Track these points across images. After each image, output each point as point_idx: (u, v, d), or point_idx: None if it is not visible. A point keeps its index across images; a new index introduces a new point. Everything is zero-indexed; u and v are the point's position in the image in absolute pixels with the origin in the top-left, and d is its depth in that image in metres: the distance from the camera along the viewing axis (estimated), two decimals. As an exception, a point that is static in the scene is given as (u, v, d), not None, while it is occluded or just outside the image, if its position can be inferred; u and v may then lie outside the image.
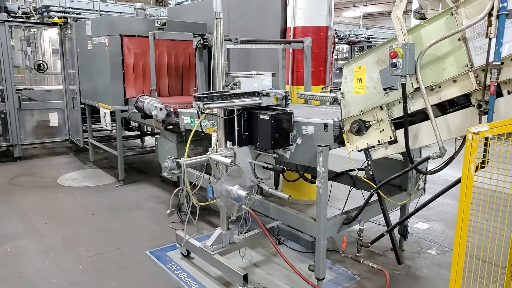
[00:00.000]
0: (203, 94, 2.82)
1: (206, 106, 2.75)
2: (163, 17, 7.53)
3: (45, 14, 6.88)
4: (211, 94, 2.84)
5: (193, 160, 3.13)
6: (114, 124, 6.03)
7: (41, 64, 7.36)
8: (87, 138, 6.99)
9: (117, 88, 5.58)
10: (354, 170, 3.97)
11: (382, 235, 2.95)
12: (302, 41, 4.44)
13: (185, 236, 3.49)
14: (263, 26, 5.35)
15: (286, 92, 3.11)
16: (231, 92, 2.97)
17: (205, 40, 3.83)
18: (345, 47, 13.65)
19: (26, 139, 7.22)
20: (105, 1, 7.48)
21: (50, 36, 8.59)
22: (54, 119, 7.37)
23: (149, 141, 8.80)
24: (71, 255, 3.76)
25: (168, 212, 3.22)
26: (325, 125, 2.88)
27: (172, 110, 4.69)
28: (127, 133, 7.87)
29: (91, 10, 7.16)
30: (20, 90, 7.00)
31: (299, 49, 4.75)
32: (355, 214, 2.98)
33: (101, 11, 7.22)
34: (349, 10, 25.04)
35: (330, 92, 4.36)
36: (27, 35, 8.12)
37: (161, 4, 23.56)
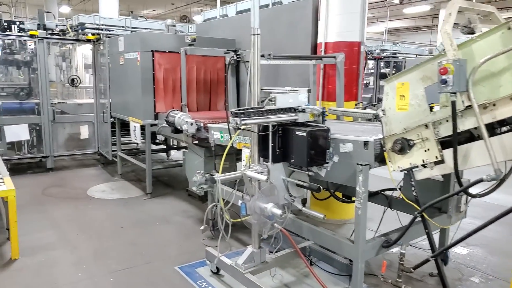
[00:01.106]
0: (240, 110, 2.79)
1: (243, 122, 2.72)
2: (192, 33, 7.65)
3: (80, 31, 7.10)
4: (247, 110, 2.81)
5: (228, 176, 3.08)
6: (142, 138, 6.10)
7: (75, 79, 7.58)
8: (115, 151, 7.10)
9: (148, 102, 5.65)
10: (389, 189, 3.88)
11: (427, 261, 2.80)
12: (334, 57, 4.39)
13: (218, 254, 3.42)
14: (293, 42, 5.33)
15: (323, 108, 3.05)
16: (267, 108, 2.93)
17: (238, 56, 3.83)
18: (371, 63, 13.53)
19: (58, 151, 7.39)
20: (136, 18, 7.66)
21: (82, 52, 8.85)
22: (84, 132, 7.53)
23: (175, 154, 8.87)
24: (103, 268, 3.75)
25: (202, 228, 3.19)
26: (365, 143, 2.79)
27: (202, 125, 4.70)
28: (154, 147, 7.96)
29: (122, 26, 7.35)
30: (55, 103, 7.20)
31: (331, 65, 4.70)
32: (397, 237, 2.86)
33: (132, 27, 7.39)
34: (372, 25, 24.93)
35: (365, 108, 4.28)
36: (62, 51, 8.40)
37: (185, 21, 24.12)
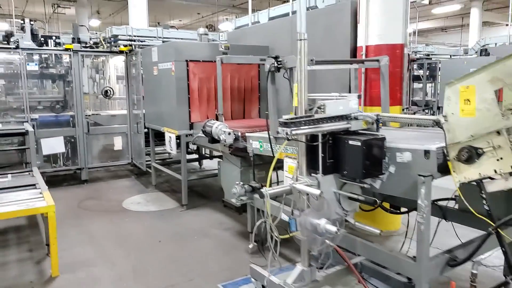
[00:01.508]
0: (289, 119, 2.63)
1: (294, 132, 2.55)
2: (225, 42, 7.59)
3: (113, 43, 7.16)
4: (297, 119, 2.64)
5: (276, 190, 2.91)
6: (177, 148, 6.03)
7: (108, 90, 7.64)
8: (149, 161, 7.08)
9: (183, 112, 5.58)
10: (442, 199, 3.60)
11: (506, 283, 2.53)
12: (377, 60, 4.16)
13: (268, 274, 3.23)
14: (330, 46, 5.14)
15: (377, 115, 2.84)
16: (318, 116, 2.75)
17: (279, 62, 3.67)
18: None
19: (92, 163, 7.44)
20: (167, 28, 7.67)
21: (114, 63, 8.95)
22: (118, 143, 7.55)
23: (207, 163, 8.77)
24: (143, 286, 3.65)
25: (250, 246, 3.02)
26: (426, 152, 2.56)
27: (240, 134, 4.57)
28: (186, 156, 7.90)
29: (154, 37, 7.36)
30: (89, 115, 7.26)
31: (372, 68, 4.48)
32: (467, 255, 2.60)
33: (164, 37, 7.40)
34: (401, 27, 24.31)
35: (414, 113, 4.02)
36: (96, 63, 8.52)
37: (210, 30, 24.31)
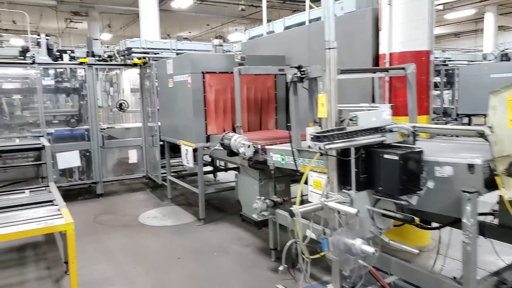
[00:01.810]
0: (321, 132, 2.48)
1: (327, 146, 2.40)
2: (239, 52, 7.50)
3: (126, 55, 7.13)
4: (329, 133, 2.49)
5: (307, 207, 2.74)
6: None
7: (123, 103, 7.59)
8: (164, 174, 6.97)
9: (199, 125, 5.47)
10: (480, 214, 3.40)
11: None
12: (403, 68, 4.00)
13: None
14: (350, 54, 4.98)
15: (413, 126, 2.68)
16: (351, 129, 2.59)
17: (302, 72, 3.53)
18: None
19: (107, 176, 7.36)
20: (181, 40, 7.61)
21: (128, 76, 8.93)
22: (133, 156, 7.47)
23: (221, 176, 8.63)
24: (164, 307, 3.50)
25: (281, 268, 2.85)
26: (470, 166, 2.38)
27: (259, 147, 4.42)
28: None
29: (168, 49, 7.31)
30: (104, 129, 7.20)
31: (397, 77, 4.31)
32: (520, 278, 2.40)
33: (177, 49, 7.34)
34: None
35: (446, 123, 3.84)
36: (110, 76, 8.51)
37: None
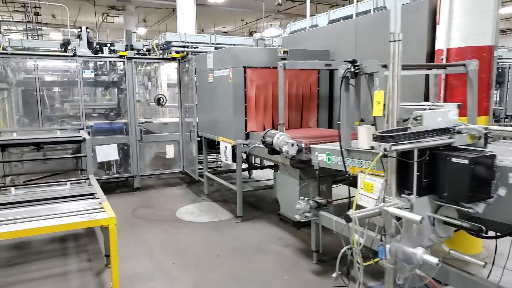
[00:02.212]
0: (385, 132, 2.29)
1: (394, 147, 2.21)
2: (276, 46, 7.35)
3: (166, 49, 7.11)
4: (394, 133, 2.30)
5: (365, 213, 2.56)
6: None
7: (161, 98, 7.59)
8: (201, 169, 6.93)
9: (239, 121, 5.36)
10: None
11: None
12: (464, 64, 3.71)
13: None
14: (402, 50, 4.72)
15: (485, 128, 2.44)
16: (417, 129, 2.38)
17: (357, 67, 3.33)
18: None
19: (144, 170, 7.40)
20: (220, 34, 7.52)
21: (165, 70, 8.95)
22: (170, 151, 7.47)
23: (256, 173, 8.51)
24: (206, 307, 3.42)
25: (334, 275, 2.68)
26: (554, 174, 2.13)
27: (303, 146, 4.25)
28: (235, 165, 7.70)
29: (207, 43, 7.24)
30: (142, 123, 7.23)
31: (455, 74, 4.02)
32: None
33: (216, 43, 7.26)
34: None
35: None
36: (147, 71, 8.56)
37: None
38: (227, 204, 6.45)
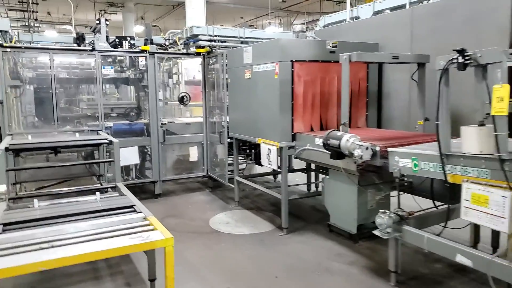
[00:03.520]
0: None
1: None
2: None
3: (191, 43, 6.52)
4: None
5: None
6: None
7: (185, 97, 6.96)
8: (231, 174, 6.35)
9: (285, 121, 4.81)
10: None
11: None
12: None
13: None
14: (474, 41, 4.21)
15: None
16: None
17: (467, 57, 2.80)
18: None
19: (166, 175, 6.79)
20: (247, 27, 6.93)
21: (185, 67, 8.33)
22: (194, 154, 6.87)
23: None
24: None
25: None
26: None
27: (379, 149, 3.71)
28: (258, 168, 7.15)
29: (235, 37, 6.66)
30: (164, 123, 6.61)
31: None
32: None
33: (245, 37, 6.68)
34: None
35: None
36: (169, 67, 7.93)
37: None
38: (262, 212, 5.89)
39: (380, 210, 3.56)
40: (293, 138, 4.89)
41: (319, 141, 4.51)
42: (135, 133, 6.53)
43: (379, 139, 4.01)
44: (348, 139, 3.77)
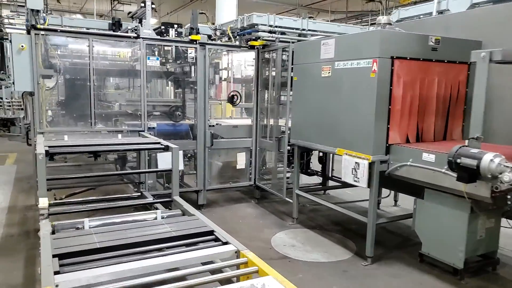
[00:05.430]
0: None
1: None
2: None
3: (248, 34, 5.70)
4: None
5: None
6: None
7: (235, 96, 6.11)
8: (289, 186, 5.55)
9: (380, 130, 4.00)
10: None
11: None
12: None
13: None
14: None
15: None
16: None
17: None
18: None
19: (211, 184, 5.95)
20: (307, 18, 6.09)
21: (227, 61, 7.48)
22: (242, 161, 6.05)
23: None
24: None
25: None
26: None
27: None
28: (305, 179, 6.35)
29: (297, 28, 5.84)
30: (212, 125, 5.77)
31: None
32: None
33: (308, 29, 5.86)
34: None
35: None
36: (215, 62, 7.09)
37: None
38: (327, 232, 5.08)
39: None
40: (388, 150, 4.08)
41: (426, 157, 3.73)
42: (179, 135, 5.70)
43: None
44: (492, 159, 2.97)
